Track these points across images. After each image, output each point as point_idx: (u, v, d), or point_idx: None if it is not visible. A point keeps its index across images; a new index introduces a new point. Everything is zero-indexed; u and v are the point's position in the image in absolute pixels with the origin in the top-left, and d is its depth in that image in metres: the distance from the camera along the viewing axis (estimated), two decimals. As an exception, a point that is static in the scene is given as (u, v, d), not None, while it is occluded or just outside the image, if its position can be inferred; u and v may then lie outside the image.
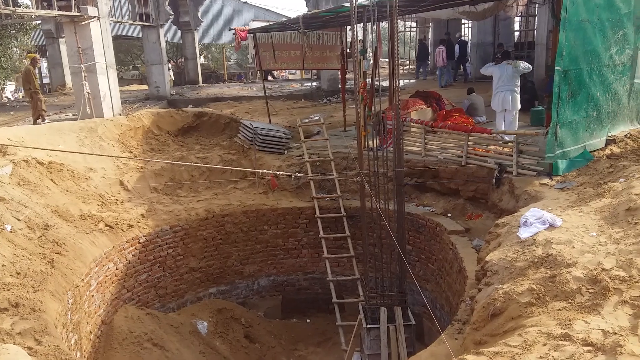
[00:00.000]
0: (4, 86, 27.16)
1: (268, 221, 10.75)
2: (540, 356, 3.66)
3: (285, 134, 12.51)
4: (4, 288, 6.28)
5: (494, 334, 4.63)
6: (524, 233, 5.65)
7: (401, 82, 22.36)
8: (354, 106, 11.74)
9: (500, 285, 5.14)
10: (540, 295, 4.58)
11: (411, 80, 24.02)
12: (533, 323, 4.30)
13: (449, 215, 9.33)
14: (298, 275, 11.16)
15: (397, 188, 8.11)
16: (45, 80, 30.46)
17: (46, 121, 13.24)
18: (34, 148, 8.06)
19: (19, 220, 7.88)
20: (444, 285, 8.72)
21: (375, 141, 9.53)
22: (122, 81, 24.61)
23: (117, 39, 29.38)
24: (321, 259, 10.35)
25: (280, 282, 11.14)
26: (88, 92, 13.12)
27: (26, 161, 9.30)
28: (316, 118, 14.38)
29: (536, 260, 5.14)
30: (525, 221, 5.80)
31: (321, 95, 21.00)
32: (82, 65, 12.95)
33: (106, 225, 8.91)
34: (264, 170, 9.41)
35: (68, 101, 21.24)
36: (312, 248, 10.90)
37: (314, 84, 25.73)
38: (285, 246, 10.98)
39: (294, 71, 39.98)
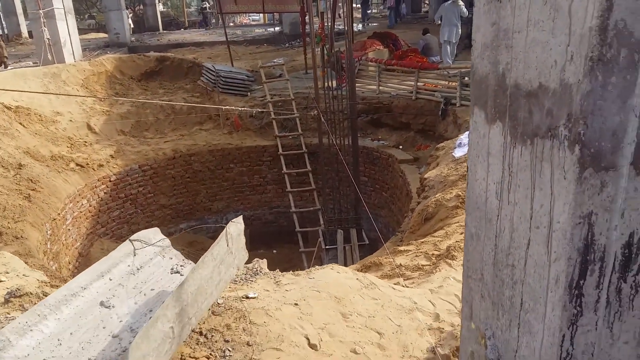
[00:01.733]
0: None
1: (234, 159, 11.32)
2: (457, 241, 4.48)
3: (247, 76, 12.89)
4: (-15, 220, 6.77)
5: (426, 234, 5.45)
6: (457, 153, 6.43)
7: (360, 26, 22.60)
8: (319, 51, 12.20)
9: (434, 196, 5.95)
10: (465, 199, 5.39)
11: (373, 24, 24.29)
12: (456, 220, 5.12)
13: (401, 147, 10.10)
14: (264, 210, 11.88)
15: (350, 121, 8.77)
16: (-2, 30, 29.32)
17: (9, 68, 13.20)
18: (10, 90, 8.32)
19: (-7, 160, 8.25)
20: (395, 210, 9.58)
21: (330, 81, 10.06)
22: (79, 30, 24.00)
23: (71, -16, 28.26)
24: (285, 193, 11.05)
25: (247, 216, 11.81)
26: (48, 39, 13.06)
27: (-7, 105, 9.53)
28: (278, 61, 14.72)
29: (465, 172, 5.94)
30: (460, 142, 6.57)
31: (283, 40, 21.15)
32: (40, 11, 12.84)
33: (77, 164, 9.34)
34: (227, 107, 9.88)
35: (25, 51, 20.82)
36: (276, 184, 11.57)
37: (277, 28, 25.69)
38: (251, 183, 11.62)
39: (256, 17, 39.43)
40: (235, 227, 2.87)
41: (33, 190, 7.96)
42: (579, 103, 1.14)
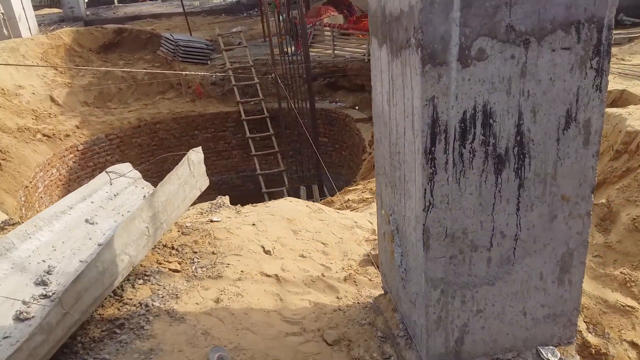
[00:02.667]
0: None
1: (198, 126, 11.68)
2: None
3: (206, 44, 13.14)
4: (-41, 188, 7.05)
5: (373, 177, 6.05)
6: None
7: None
8: (273, 18, 12.51)
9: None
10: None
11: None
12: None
13: (357, 107, 10.66)
14: (231, 174, 12.32)
15: (307, 83, 9.25)
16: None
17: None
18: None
19: (-41, 133, 8.44)
20: (354, 167, 10.19)
21: (287, 47, 10.48)
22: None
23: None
24: (250, 157, 11.51)
25: (215, 182, 12.23)
26: (3, 13, 12.98)
27: (-47, 80, 9.61)
28: (236, 30, 14.95)
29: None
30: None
31: (241, 9, 21.22)
32: (-9, -15, 12.74)
33: (44, 135, 9.57)
34: (188, 72, 10.20)
35: (-24, 27, 20.27)
36: (241, 148, 12.01)
37: (235, -1, 25.58)
38: (217, 149, 12.02)
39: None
40: (196, 155, 3.38)
41: (4, 160, 8.22)
42: (417, 18, 1.70)
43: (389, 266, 2.57)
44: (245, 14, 20.73)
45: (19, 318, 2.34)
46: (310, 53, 12.33)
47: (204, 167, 3.50)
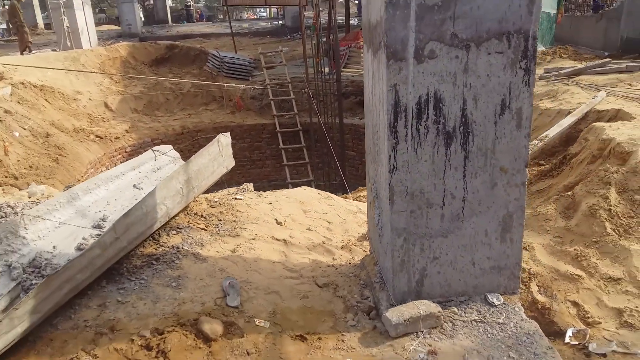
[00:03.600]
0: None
1: (236, 136, 12.46)
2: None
3: (249, 62, 14.10)
4: (22, 176, 8.02)
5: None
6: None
7: (357, 20, 23.70)
8: (315, 40, 13.34)
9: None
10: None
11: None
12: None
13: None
14: (263, 182, 13.06)
15: (337, 99, 9.95)
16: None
17: (33, 52, 14.50)
18: (44, 68, 9.56)
19: (24, 129, 9.51)
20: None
21: (323, 67, 11.25)
22: (92, 21, 25.26)
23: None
24: (282, 167, 12.25)
25: (247, 189, 13.06)
26: (67, 27, 14.32)
27: (22, 84, 10.78)
28: (277, 50, 15.88)
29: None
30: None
31: (285, 32, 22.31)
32: (60, 1, 14.09)
33: (96, 136, 10.58)
34: (229, 84, 11.08)
35: (42, 40, 22.08)
36: (274, 159, 12.77)
37: (280, 22, 26.87)
38: (252, 158, 12.83)
39: (263, 13, 40.70)
40: (225, 139, 4.06)
41: (60, 155, 9.20)
42: (384, 26, 2.33)
43: (373, 229, 3.15)
44: (289, 37, 21.81)
45: (79, 249, 3.04)
46: (345, 73, 13.11)
47: (231, 150, 4.17)
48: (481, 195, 2.62)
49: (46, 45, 19.52)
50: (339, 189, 10.50)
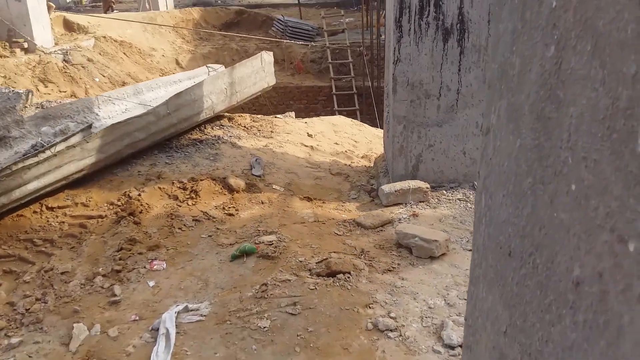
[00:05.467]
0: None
1: (293, 97, 13.10)
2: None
3: (312, 27, 14.59)
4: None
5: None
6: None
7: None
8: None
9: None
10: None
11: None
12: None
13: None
14: (317, 144, 13.62)
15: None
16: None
17: (115, 11, 15.72)
18: (124, 20, 10.54)
19: (104, 76, 10.53)
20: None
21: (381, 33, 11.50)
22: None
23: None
24: (335, 128, 12.72)
25: (302, 149, 13.66)
26: (147, -10, 15.42)
27: (104, 37, 11.85)
28: (341, 19, 16.25)
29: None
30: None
31: (352, 3, 22.55)
32: (141, -35, 15.19)
33: (167, 87, 11.48)
34: (288, 41, 11.62)
35: (124, 7, 23.58)
36: (329, 121, 13.25)
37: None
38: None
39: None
40: (267, 56, 4.58)
41: (133, 100, 10.13)
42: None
43: (385, 132, 3.57)
44: (355, 8, 22.04)
45: (139, 131, 3.67)
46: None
47: (272, 69, 4.69)
48: (473, 89, 2.98)
49: (127, 10, 20.91)
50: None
